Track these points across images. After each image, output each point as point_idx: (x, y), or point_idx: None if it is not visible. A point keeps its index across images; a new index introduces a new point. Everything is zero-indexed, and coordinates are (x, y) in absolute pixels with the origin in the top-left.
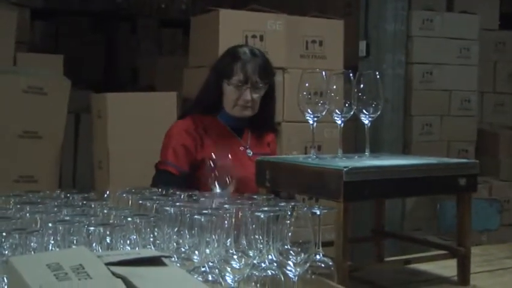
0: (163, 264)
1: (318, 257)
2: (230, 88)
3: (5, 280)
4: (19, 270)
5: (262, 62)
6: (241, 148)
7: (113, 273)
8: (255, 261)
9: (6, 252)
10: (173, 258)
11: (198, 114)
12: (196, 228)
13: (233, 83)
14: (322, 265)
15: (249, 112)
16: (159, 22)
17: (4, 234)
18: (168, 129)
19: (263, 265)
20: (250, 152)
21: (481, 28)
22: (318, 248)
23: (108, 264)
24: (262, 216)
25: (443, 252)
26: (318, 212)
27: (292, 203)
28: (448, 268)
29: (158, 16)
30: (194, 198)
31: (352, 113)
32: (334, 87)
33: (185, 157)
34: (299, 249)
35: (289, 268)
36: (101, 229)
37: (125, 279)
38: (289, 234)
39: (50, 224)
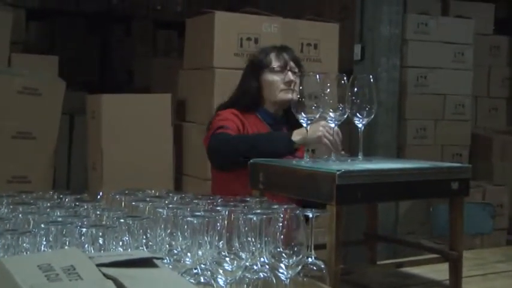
0: (155, 265)
1: (310, 259)
2: (271, 75)
3: None
4: (10, 270)
5: (293, 53)
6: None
7: (104, 275)
8: (247, 264)
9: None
10: (165, 260)
11: (239, 111)
12: (188, 230)
13: (275, 69)
14: (314, 268)
15: (293, 95)
16: (154, 24)
17: None
18: (214, 118)
19: (255, 267)
20: (307, 156)
21: (475, 33)
22: (310, 251)
23: (99, 265)
24: (254, 218)
25: (436, 256)
26: (310, 215)
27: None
28: (440, 272)
29: (153, 18)
30: (187, 200)
31: (345, 116)
32: (328, 90)
33: (237, 132)
34: (291, 252)
35: (281, 271)
36: (94, 230)
37: (116, 281)
38: (282, 236)
39: (42, 225)
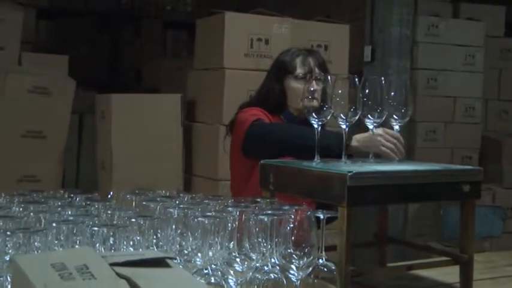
0: (167, 265)
1: (320, 261)
2: (294, 82)
3: (8, 279)
4: (23, 269)
5: (320, 57)
6: None
7: (118, 274)
8: (257, 265)
9: (10, 251)
10: (177, 260)
11: (266, 111)
12: (199, 230)
13: (298, 76)
14: (325, 269)
15: (316, 103)
16: (163, 24)
17: (8, 233)
18: (242, 112)
19: (266, 268)
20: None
21: (486, 35)
22: (321, 252)
23: (112, 264)
24: (265, 219)
25: (446, 259)
26: (322, 216)
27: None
28: (450, 275)
29: (163, 18)
30: (198, 200)
31: (357, 117)
32: (340, 91)
33: None
34: (302, 253)
35: (291, 272)
36: (105, 230)
37: (129, 280)
38: (292, 238)
39: (53, 224)
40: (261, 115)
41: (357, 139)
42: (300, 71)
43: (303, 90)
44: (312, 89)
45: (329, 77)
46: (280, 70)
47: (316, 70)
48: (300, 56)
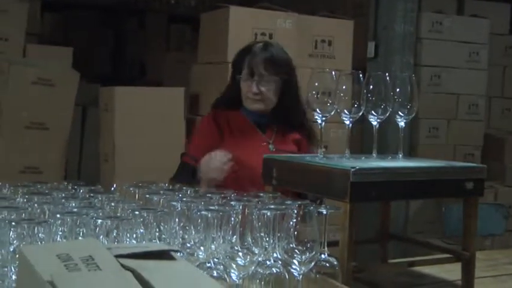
0: (172, 258)
1: (322, 256)
2: (241, 82)
3: (13, 269)
4: (30, 259)
5: (271, 55)
6: (264, 143)
7: (123, 266)
8: (260, 259)
9: (15, 242)
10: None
11: (223, 109)
12: (202, 224)
13: (242, 77)
14: (327, 265)
15: (260, 105)
16: (167, 18)
17: (13, 223)
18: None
19: (268, 263)
20: (272, 147)
21: (491, 32)
22: (323, 248)
23: (117, 256)
24: (268, 213)
25: (448, 256)
26: (325, 212)
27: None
28: (452, 272)
29: (167, 12)
30: (200, 194)
31: (360, 113)
32: (344, 87)
33: (206, 150)
34: (304, 248)
35: (294, 267)
36: (109, 222)
37: (134, 272)
38: (295, 232)
39: (58, 215)
40: (197, 141)
41: (203, 167)
42: (246, 70)
43: (245, 91)
44: (252, 91)
45: (333, 73)
46: (233, 69)
47: (263, 71)
48: (248, 55)
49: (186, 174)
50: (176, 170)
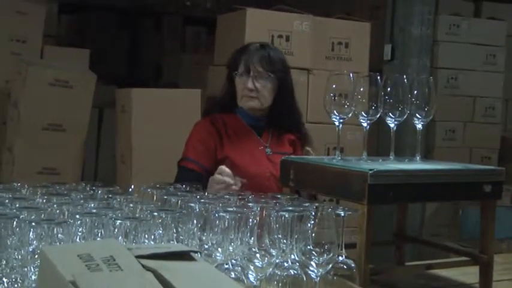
0: (192, 259)
1: (340, 258)
2: (237, 79)
3: (32, 269)
4: (52, 259)
5: (268, 54)
6: (261, 147)
7: (143, 266)
8: (277, 261)
9: (34, 242)
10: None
11: (219, 112)
12: (220, 226)
13: (239, 74)
14: (344, 267)
15: (255, 103)
16: (183, 20)
17: (33, 224)
18: (191, 129)
19: (285, 264)
20: (269, 151)
21: (508, 35)
22: (341, 250)
23: (138, 257)
24: (286, 215)
25: (465, 259)
26: (342, 214)
27: (316, 204)
28: (469, 275)
29: (183, 14)
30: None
31: (378, 116)
32: (361, 89)
33: (205, 153)
34: (322, 250)
35: (311, 268)
36: (127, 223)
37: (155, 272)
38: (313, 234)
39: (77, 216)
40: (195, 145)
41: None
42: (241, 67)
43: (241, 89)
44: (248, 86)
45: (350, 75)
46: (229, 69)
47: (259, 68)
48: (244, 53)
49: (190, 179)
50: (176, 176)
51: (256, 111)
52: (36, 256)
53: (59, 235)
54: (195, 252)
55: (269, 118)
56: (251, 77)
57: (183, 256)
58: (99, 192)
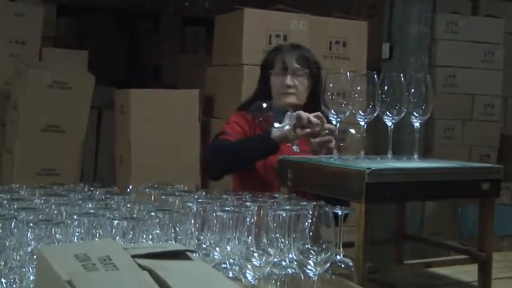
0: (188, 258)
1: (338, 257)
2: (273, 78)
3: (31, 270)
4: (48, 259)
5: (302, 52)
6: (288, 144)
7: (140, 266)
8: (275, 260)
9: (32, 242)
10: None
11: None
12: (218, 225)
13: (275, 72)
14: (342, 265)
15: (293, 99)
16: (182, 20)
17: (31, 224)
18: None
19: (283, 263)
20: (296, 148)
21: (506, 32)
22: (339, 249)
23: (134, 256)
24: (283, 214)
25: (464, 257)
26: (340, 213)
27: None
28: (468, 273)
29: (181, 14)
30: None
31: (375, 114)
32: (358, 88)
33: (242, 135)
34: (319, 249)
35: (309, 267)
36: (125, 223)
37: (151, 272)
38: (310, 233)
39: (75, 217)
40: (233, 126)
41: (277, 130)
42: (277, 66)
43: (278, 87)
44: (286, 83)
45: (347, 73)
46: (263, 69)
47: (295, 65)
48: (279, 52)
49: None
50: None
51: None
52: (35, 256)
53: (57, 235)
54: (192, 251)
55: None
56: (289, 74)
57: (180, 255)
58: (97, 192)
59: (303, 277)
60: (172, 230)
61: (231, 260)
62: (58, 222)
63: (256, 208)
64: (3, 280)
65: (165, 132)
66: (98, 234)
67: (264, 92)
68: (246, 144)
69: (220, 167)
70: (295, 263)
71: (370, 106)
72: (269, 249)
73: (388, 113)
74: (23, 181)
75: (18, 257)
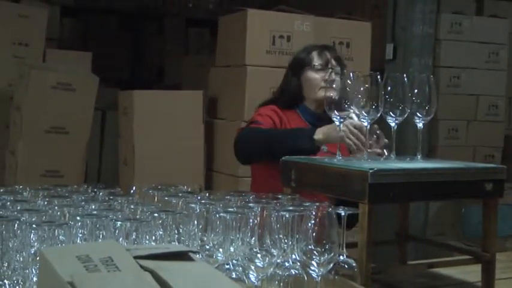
0: (191, 259)
1: (341, 258)
2: (312, 73)
3: (34, 271)
4: (50, 260)
5: (336, 52)
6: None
7: (142, 267)
8: (278, 260)
9: (35, 244)
10: (199, 254)
11: (280, 107)
12: (221, 226)
13: (316, 67)
14: (346, 266)
15: (334, 93)
16: (185, 22)
17: (34, 226)
18: (254, 113)
19: (286, 264)
20: (325, 148)
21: (510, 32)
22: (342, 249)
23: (136, 257)
24: (287, 215)
25: (468, 257)
26: (343, 213)
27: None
28: (471, 273)
29: (185, 16)
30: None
31: (378, 115)
32: (361, 88)
33: (272, 126)
34: (323, 250)
35: (312, 268)
36: (128, 224)
37: (153, 273)
38: (313, 234)
39: (78, 218)
40: (264, 117)
41: (321, 131)
42: (317, 61)
43: (319, 80)
44: (329, 78)
45: (351, 74)
46: (298, 64)
47: (333, 62)
48: (316, 50)
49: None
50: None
51: (319, 109)
52: (38, 258)
53: (60, 237)
54: (194, 252)
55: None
56: (330, 69)
57: (182, 256)
58: (101, 194)
59: (306, 278)
60: (176, 231)
61: (234, 261)
62: (61, 224)
63: (259, 209)
64: (6, 282)
65: (169, 133)
66: (101, 236)
67: (295, 87)
68: (286, 135)
69: (253, 149)
70: (299, 263)
71: (373, 107)
72: (272, 250)
73: (391, 113)
74: (27, 183)
75: (21, 259)
